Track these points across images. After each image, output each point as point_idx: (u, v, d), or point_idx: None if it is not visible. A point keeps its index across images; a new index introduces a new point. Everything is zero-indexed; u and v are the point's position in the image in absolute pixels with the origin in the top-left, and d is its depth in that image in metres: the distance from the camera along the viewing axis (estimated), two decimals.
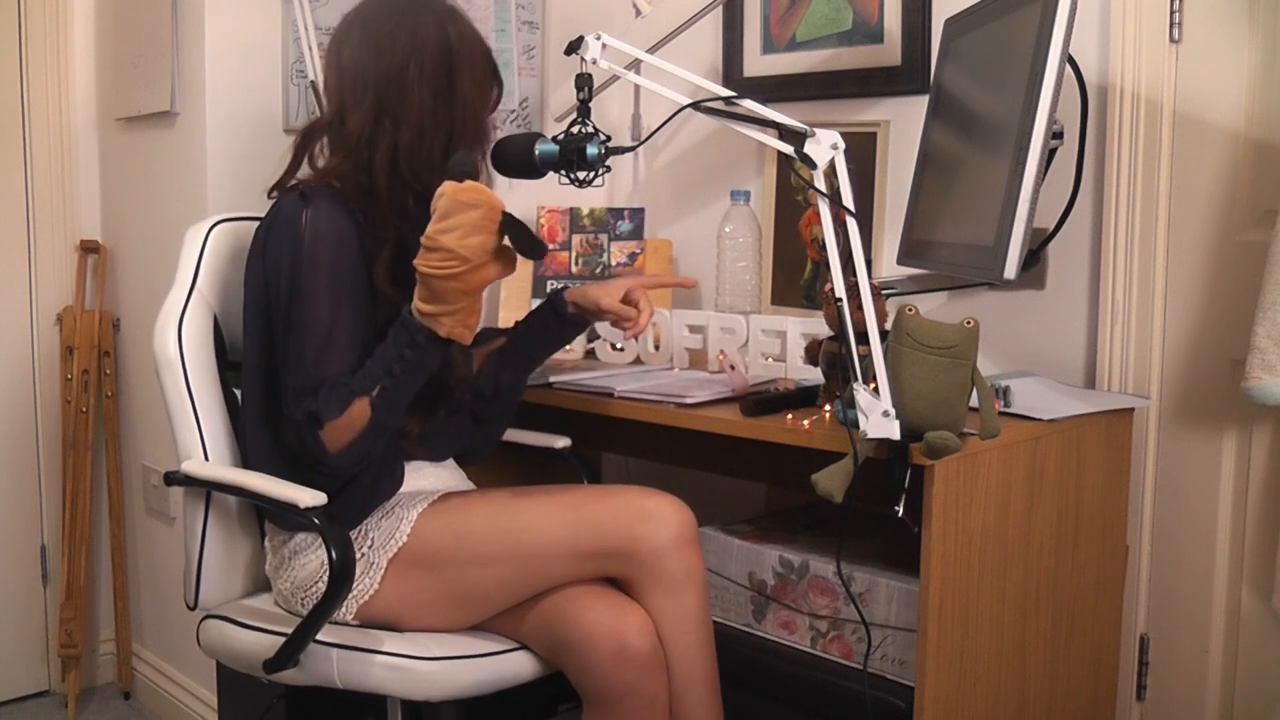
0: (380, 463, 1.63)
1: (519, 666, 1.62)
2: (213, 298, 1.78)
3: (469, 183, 1.50)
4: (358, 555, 1.61)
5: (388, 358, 1.54)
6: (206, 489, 1.69)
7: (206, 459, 1.70)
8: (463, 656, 1.58)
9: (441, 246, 1.47)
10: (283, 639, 1.57)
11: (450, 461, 1.83)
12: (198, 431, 1.70)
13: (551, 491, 1.67)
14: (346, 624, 1.62)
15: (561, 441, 1.93)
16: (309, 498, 1.52)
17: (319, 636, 1.56)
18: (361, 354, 1.57)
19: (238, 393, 1.78)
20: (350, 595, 1.60)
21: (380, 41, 1.64)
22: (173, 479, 1.68)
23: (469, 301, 1.52)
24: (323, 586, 1.60)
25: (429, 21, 1.65)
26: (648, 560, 1.57)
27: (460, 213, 1.48)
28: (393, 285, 1.59)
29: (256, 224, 1.69)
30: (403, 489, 1.70)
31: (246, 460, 1.70)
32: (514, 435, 1.95)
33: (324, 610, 1.52)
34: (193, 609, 1.75)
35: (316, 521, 1.51)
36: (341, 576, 1.50)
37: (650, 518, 1.58)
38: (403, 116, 1.63)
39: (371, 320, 1.60)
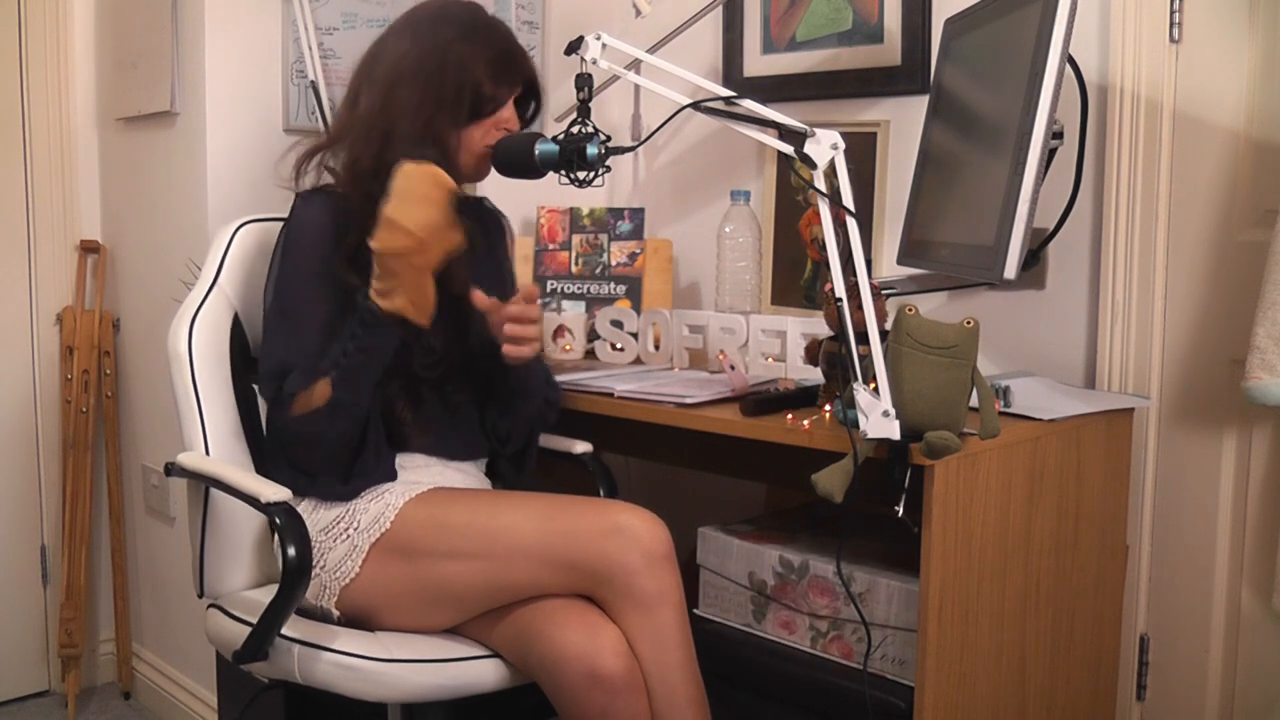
0: (364, 449, 1.66)
1: (482, 675, 1.59)
2: (235, 296, 1.82)
3: (425, 164, 1.55)
4: (342, 537, 1.62)
5: (343, 338, 1.60)
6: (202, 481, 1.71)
7: (208, 453, 1.72)
8: (417, 660, 1.56)
9: (393, 222, 1.53)
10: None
11: (470, 466, 1.83)
12: (200, 426, 1.73)
13: (535, 497, 1.66)
14: (329, 613, 1.63)
15: (581, 446, 1.92)
16: (271, 492, 1.53)
17: (285, 631, 1.56)
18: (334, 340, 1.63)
19: (256, 389, 1.82)
20: (333, 578, 1.61)
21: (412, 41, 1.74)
22: (169, 470, 1.72)
23: (417, 278, 1.56)
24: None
25: (442, 32, 1.73)
26: (619, 578, 1.54)
27: (412, 190, 1.53)
28: (354, 273, 1.63)
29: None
30: (403, 480, 1.70)
31: (264, 450, 1.75)
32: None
33: (283, 603, 1.51)
34: (200, 597, 1.78)
35: (277, 520, 1.51)
36: (297, 572, 1.49)
37: (622, 534, 1.55)
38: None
39: (350, 310, 1.64)
